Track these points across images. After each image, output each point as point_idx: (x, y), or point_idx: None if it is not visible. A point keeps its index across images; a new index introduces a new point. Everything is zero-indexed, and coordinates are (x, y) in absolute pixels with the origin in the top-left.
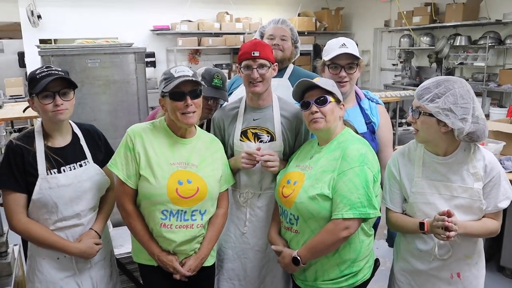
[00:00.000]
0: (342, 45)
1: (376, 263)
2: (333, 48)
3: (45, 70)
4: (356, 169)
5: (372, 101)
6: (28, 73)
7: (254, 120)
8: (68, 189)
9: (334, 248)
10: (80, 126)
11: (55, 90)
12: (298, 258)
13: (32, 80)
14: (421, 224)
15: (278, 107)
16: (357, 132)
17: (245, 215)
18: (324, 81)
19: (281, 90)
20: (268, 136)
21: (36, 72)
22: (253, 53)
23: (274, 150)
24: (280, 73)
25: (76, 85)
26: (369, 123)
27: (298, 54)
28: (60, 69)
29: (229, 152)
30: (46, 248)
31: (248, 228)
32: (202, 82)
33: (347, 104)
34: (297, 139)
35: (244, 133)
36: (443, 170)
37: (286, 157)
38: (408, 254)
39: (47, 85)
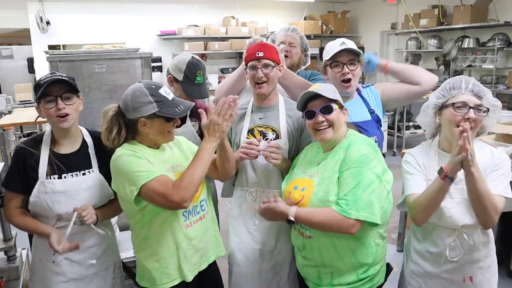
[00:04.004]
0: (342, 43)
1: (389, 267)
2: (333, 48)
3: (49, 75)
4: (352, 170)
5: (368, 87)
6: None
7: (260, 119)
8: (64, 196)
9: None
10: (92, 133)
11: (57, 94)
12: (294, 220)
13: (37, 86)
14: (440, 169)
15: (283, 107)
16: (359, 131)
17: (255, 213)
18: (326, 89)
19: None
20: (273, 134)
21: (41, 79)
22: (258, 54)
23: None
24: None
25: (77, 89)
26: (372, 113)
27: (309, 62)
28: (65, 75)
29: (235, 151)
30: (33, 233)
31: (257, 227)
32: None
33: (349, 97)
34: (301, 137)
35: (251, 132)
36: None
37: (291, 156)
38: (418, 257)
39: (49, 89)
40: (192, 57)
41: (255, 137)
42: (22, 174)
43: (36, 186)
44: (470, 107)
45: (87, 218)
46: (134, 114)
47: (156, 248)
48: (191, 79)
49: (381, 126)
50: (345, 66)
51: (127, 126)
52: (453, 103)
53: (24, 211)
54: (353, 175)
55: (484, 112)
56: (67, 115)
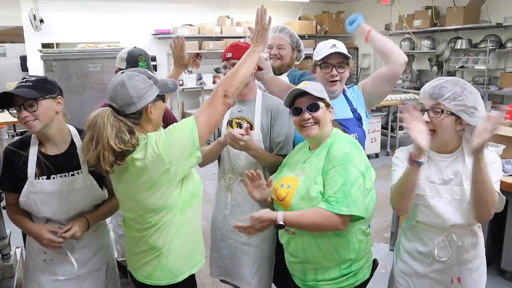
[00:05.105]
0: (333, 45)
1: (375, 263)
2: (324, 48)
3: (18, 84)
4: (338, 167)
5: (351, 87)
6: None
7: (238, 111)
8: (53, 197)
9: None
10: (82, 133)
11: (20, 103)
12: (283, 224)
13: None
14: (409, 156)
15: (260, 101)
16: (344, 131)
17: (227, 198)
18: (313, 87)
19: None
20: (247, 125)
21: (5, 91)
22: (227, 55)
23: (253, 138)
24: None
25: (40, 95)
26: (355, 111)
27: (303, 56)
28: (32, 80)
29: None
30: (20, 228)
31: (230, 211)
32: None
33: (335, 96)
34: (272, 130)
35: (230, 123)
36: (447, 169)
37: (266, 146)
38: (408, 256)
39: (13, 99)
40: (134, 47)
41: (233, 128)
42: (12, 175)
43: (25, 186)
44: (425, 110)
45: (70, 237)
46: (141, 103)
47: (192, 228)
48: (133, 65)
49: (362, 124)
50: (334, 68)
51: (133, 121)
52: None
53: (18, 209)
54: (339, 173)
55: (439, 114)
56: (31, 121)
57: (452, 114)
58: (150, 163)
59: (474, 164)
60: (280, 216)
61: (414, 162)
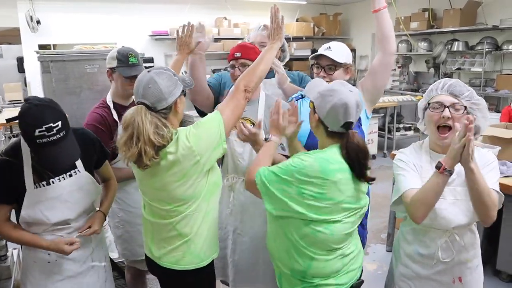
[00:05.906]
0: (327, 48)
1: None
2: (321, 49)
3: (45, 135)
4: (292, 162)
5: None
6: (20, 123)
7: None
8: (57, 201)
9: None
10: (75, 132)
11: None
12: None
13: (31, 145)
14: (438, 163)
15: (264, 101)
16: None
17: (230, 198)
18: (313, 86)
19: (268, 87)
20: (251, 125)
21: (35, 135)
22: (235, 54)
23: None
24: (271, 73)
25: (76, 143)
26: None
27: (287, 58)
28: (58, 127)
29: None
30: (25, 245)
31: (231, 210)
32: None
33: None
34: None
35: None
36: None
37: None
38: (408, 259)
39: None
40: (122, 46)
41: (235, 127)
42: (8, 185)
43: (25, 198)
44: (446, 106)
45: (91, 232)
46: (170, 98)
47: (215, 215)
48: (124, 61)
49: (361, 125)
50: (323, 70)
51: (163, 116)
52: (429, 104)
53: (16, 224)
54: (286, 163)
55: (461, 110)
56: None
57: (468, 112)
58: (182, 156)
59: (466, 174)
60: (273, 138)
61: (445, 170)
